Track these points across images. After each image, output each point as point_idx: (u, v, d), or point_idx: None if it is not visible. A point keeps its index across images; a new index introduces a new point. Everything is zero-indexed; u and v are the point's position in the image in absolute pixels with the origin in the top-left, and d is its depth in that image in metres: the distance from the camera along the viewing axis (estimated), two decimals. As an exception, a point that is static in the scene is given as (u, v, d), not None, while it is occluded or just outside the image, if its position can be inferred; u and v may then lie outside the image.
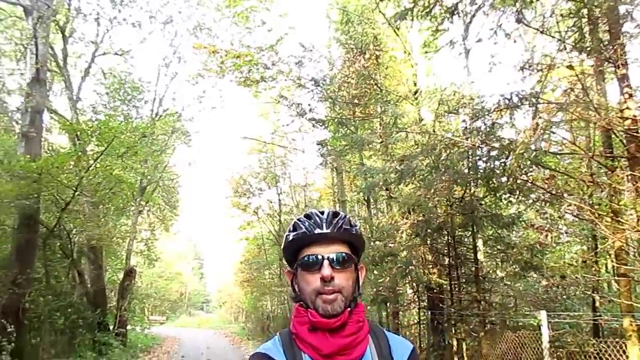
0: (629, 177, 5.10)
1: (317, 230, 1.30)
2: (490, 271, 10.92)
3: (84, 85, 18.37)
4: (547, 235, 10.75)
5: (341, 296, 1.27)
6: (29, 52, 11.47)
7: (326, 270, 1.26)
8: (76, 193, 11.90)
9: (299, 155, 24.87)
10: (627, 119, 5.25)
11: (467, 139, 7.08)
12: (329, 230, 1.30)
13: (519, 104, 6.87)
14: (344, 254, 1.31)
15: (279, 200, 28.68)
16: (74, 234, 15.05)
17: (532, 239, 10.40)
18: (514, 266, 9.39)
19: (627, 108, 5.21)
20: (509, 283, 10.50)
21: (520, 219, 9.48)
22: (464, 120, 8.95)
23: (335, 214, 1.35)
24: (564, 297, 9.93)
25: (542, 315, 6.00)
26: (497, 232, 9.64)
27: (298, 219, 1.38)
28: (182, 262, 61.52)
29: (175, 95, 22.52)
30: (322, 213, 1.35)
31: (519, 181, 6.31)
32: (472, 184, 8.27)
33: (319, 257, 1.29)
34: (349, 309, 1.29)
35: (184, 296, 60.26)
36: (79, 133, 13.93)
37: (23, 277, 10.56)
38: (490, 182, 6.70)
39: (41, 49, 11.13)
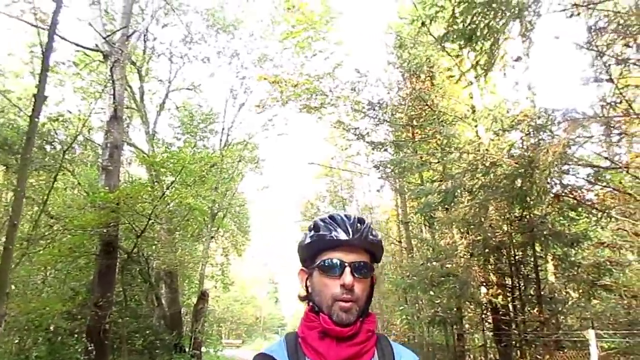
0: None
1: (343, 236, 1.27)
2: (562, 292, 10.50)
3: (159, 120, 19.70)
4: (619, 253, 10.23)
5: (356, 306, 1.26)
6: (107, 92, 12.53)
7: (348, 278, 1.24)
8: (150, 221, 12.68)
9: (365, 178, 25.03)
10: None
11: (511, 157, 6.99)
12: (354, 237, 1.27)
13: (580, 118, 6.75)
14: (365, 263, 1.29)
15: (347, 223, 28.89)
16: (152, 260, 15.96)
17: (604, 257, 9.93)
18: (582, 286, 9.02)
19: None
20: (582, 305, 10.03)
21: (587, 237, 9.11)
22: (521, 138, 8.85)
23: (361, 221, 1.32)
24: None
25: (591, 334, 5.77)
26: (562, 251, 9.32)
27: (322, 219, 1.34)
28: (257, 287, 62.86)
29: (242, 125, 23.52)
30: (348, 218, 1.31)
31: (561, 198, 6.12)
32: (530, 202, 8.08)
33: (342, 263, 1.26)
34: (360, 319, 1.27)
35: (259, 320, 61.40)
36: (152, 165, 14.91)
37: (104, 300, 11.33)
38: (524, 200, 6.54)
39: (118, 89, 12.14)
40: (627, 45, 5.45)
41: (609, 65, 5.94)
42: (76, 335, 12.57)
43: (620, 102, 5.46)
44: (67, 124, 14.29)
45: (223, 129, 21.32)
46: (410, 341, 14.47)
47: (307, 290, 1.36)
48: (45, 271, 14.29)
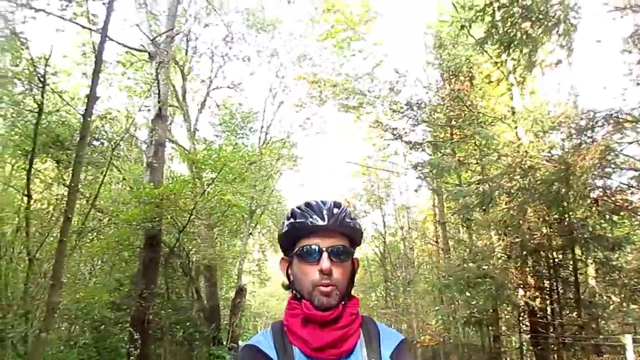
0: None
1: (319, 222, 1.28)
2: (603, 296, 10.32)
3: (200, 117, 20.22)
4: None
5: (337, 290, 1.26)
6: (152, 92, 12.98)
7: (325, 263, 1.25)
8: (192, 216, 13.09)
9: (402, 178, 25.00)
10: None
11: (548, 160, 6.95)
12: (330, 223, 1.28)
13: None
14: (343, 248, 1.29)
15: (383, 222, 28.98)
16: (192, 254, 16.42)
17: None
18: (624, 291, 8.86)
19: None
20: (624, 310, 9.84)
21: (630, 241, 8.92)
22: (562, 140, 8.75)
23: (337, 205, 1.32)
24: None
25: (628, 339, 5.72)
26: (603, 255, 9.15)
27: (298, 207, 1.34)
28: (293, 283, 63.31)
29: (281, 123, 23.87)
30: (324, 203, 1.32)
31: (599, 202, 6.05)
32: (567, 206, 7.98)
33: (319, 248, 1.27)
34: (342, 302, 1.28)
35: (294, 316, 61.78)
36: (194, 162, 15.35)
37: (148, 291, 11.77)
38: (561, 205, 6.49)
39: (162, 89, 12.57)
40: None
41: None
42: (120, 325, 13.08)
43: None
44: (114, 121, 14.82)
45: (262, 127, 21.73)
46: (445, 341, 14.45)
47: (288, 279, 1.36)
48: (93, 262, 14.89)
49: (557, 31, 5.76)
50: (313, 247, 1.27)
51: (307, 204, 1.33)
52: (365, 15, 15.71)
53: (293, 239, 1.33)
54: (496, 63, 9.22)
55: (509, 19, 5.75)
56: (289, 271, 1.36)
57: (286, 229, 1.33)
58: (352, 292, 1.36)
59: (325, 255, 1.26)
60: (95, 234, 12.98)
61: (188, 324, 15.12)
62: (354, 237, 1.35)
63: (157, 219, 12.11)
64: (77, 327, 13.50)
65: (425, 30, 14.68)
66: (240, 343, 20.84)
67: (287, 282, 1.37)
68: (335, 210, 1.30)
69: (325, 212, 1.29)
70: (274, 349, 1.28)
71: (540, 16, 5.54)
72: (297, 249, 1.31)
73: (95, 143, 14.20)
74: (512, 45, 5.99)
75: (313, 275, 1.26)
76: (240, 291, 20.22)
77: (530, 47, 6.00)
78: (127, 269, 14.19)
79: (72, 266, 13.30)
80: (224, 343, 18.28)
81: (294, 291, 1.34)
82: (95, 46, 8.58)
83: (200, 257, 16.73)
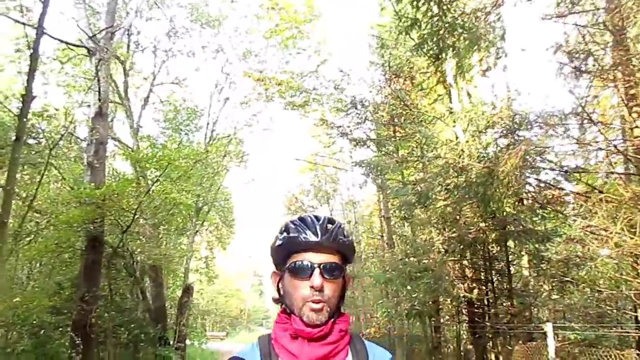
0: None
1: (312, 238, 1.26)
2: (535, 286, 10.94)
3: (143, 114, 19.74)
4: (588, 249, 10.70)
5: (327, 306, 1.25)
6: (92, 89, 12.62)
7: (317, 280, 1.23)
8: (136, 216, 12.85)
9: (348, 173, 25.39)
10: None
11: (480, 161, 7.36)
12: (323, 239, 1.26)
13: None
14: (335, 264, 1.28)
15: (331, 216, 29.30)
16: (137, 254, 16.10)
17: (575, 253, 10.37)
18: (552, 280, 9.46)
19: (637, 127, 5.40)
20: (554, 298, 10.47)
21: (557, 234, 9.52)
22: (495, 140, 9.22)
23: (331, 221, 1.31)
24: (614, 311, 9.82)
25: (548, 327, 6.18)
26: (534, 247, 9.73)
27: (292, 221, 1.33)
28: (242, 280, 63.18)
29: (227, 120, 23.65)
30: (318, 219, 1.30)
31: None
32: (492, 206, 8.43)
33: (311, 264, 1.25)
34: (332, 319, 1.27)
35: (243, 312, 61.69)
36: (137, 160, 15.05)
37: (90, 294, 11.49)
38: (488, 204, 6.94)
39: (103, 86, 12.24)
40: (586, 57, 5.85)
41: (571, 76, 6.33)
42: (60, 329, 12.70)
43: (579, 113, 5.84)
44: (52, 119, 14.31)
45: (208, 123, 21.44)
46: (390, 333, 14.89)
47: (279, 293, 1.35)
48: (31, 266, 14.38)
49: (480, 45, 6.12)
50: (305, 263, 1.26)
51: (301, 219, 1.32)
52: (309, 13, 15.87)
53: (285, 254, 1.32)
54: (427, 71, 9.59)
55: (437, 33, 6.07)
56: (279, 285, 1.36)
57: (279, 243, 1.32)
58: None
59: (317, 271, 1.25)
60: (33, 236, 12.54)
61: (133, 325, 14.84)
62: (347, 254, 1.34)
63: (99, 219, 11.82)
64: (14, 333, 13.02)
65: (368, 30, 15.01)
66: (188, 342, 20.64)
67: (277, 295, 1.37)
68: (329, 226, 1.29)
69: (318, 227, 1.28)
70: None
71: (464, 32, 5.89)
72: (289, 264, 1.30)
73: (32, 142, 13.69)
74: (440, 57, 6.34)
75: (304, 291, 1.25)
76: (187, 290, 19.99)
77: (458, 58, 6.35)
78: (68, 271, 13.78)
79: (8, 270, 12.79)
80: (171, 343, 18.04)
81: (284, 305, 1.33)
82: (31, 42, 8.30)
83: (145, 257, 16.44)
